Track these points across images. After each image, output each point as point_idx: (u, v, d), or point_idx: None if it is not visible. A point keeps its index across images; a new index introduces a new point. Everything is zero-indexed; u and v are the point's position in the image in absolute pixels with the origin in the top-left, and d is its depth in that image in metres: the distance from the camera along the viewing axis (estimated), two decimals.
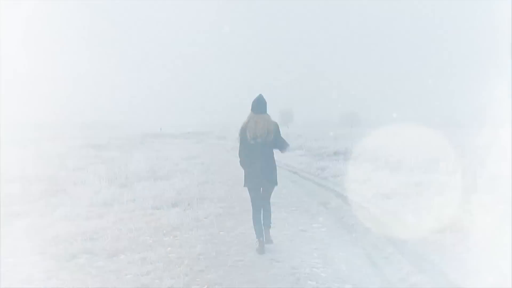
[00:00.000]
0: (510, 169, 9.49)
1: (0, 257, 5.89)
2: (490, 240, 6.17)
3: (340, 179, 13.83)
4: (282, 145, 6.80)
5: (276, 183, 7.01)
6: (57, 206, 9.33)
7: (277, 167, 7.06)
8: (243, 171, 7.03)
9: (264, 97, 6.79)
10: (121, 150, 27.63)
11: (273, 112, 6.99)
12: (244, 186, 6.99)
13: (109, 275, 5.48)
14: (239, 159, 7.08)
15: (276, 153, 6.85)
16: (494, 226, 6.68)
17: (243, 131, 6.65)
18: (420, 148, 16.55)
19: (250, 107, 6.72)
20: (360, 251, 6.63)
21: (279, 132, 6.73)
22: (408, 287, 5.13)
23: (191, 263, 5.87)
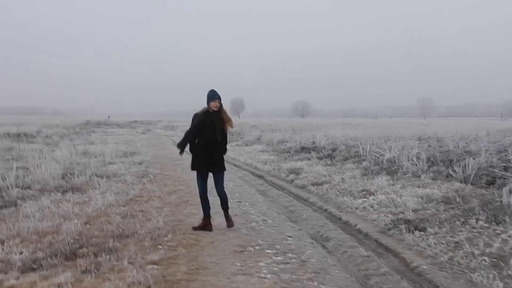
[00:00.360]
0: None
1: None
2: None
3: (326, 189, 10.14)
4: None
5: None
6: None
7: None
8: (194, 174, 7.17)
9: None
10: (47, 141, 23.04)
11: (224, 101, 6.94)
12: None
13: None
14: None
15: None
16: None
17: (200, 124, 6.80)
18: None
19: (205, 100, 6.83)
20: None
21: None
22: None
23: None
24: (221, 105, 6.78)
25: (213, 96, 6.72)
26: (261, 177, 13.13)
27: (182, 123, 56.57)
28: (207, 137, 6.73)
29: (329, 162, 14.53)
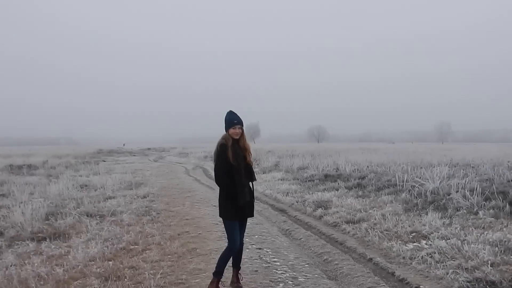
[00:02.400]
0: None
1: None
2: None
3: (365, 230, 8.23)
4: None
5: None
6: None
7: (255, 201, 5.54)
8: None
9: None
10: (50, 173, 21.46)
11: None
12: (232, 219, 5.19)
13: None
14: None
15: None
16: None
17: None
18: None
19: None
20: None
21: None
22: None
23: None
24: (242, 131, 5.37)
25: (232, 120, 5.28)
26: (283, 211, 11.26)
27: (196, 149, 54.96)
28: (238, 174, 5.18)
29: (360, 193, 12.64)
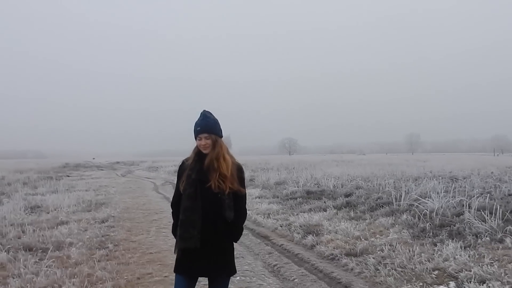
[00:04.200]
0: None
1: None
2: None
3: (374, 266, 6.61)
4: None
5: (233, 271, 3.54)
6: None
7: None
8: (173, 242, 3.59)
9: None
10: (2, 190, 19.31)
11: None
12: (175, 271, 3.45)
13: None
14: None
15: None
16: None
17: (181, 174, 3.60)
18: None
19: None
20: None
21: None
22: None
23: None
24: (214, 142, 3.52)
25: (195, 127, 3.54)
26: (266, 238, 9.57)
27: (166, 163, 52.87)
28: (187, 205, 3.40)
29: (352, 214, 11.08)
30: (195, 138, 3.52)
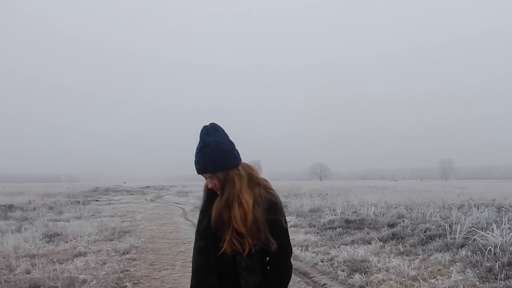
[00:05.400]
0: None
1: None
2: None
3: None
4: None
5: None
6: None
7: None
8: None
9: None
10: (27, 216, 18.66)
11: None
12: None
13: None
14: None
15: None
16: None
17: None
18: None
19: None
20: None
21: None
22: None
23: None
24: (225, 182, 2.35)
25: (194, 164, 2.41)
26: (305, 275, 8.43)
27: (196, 188, 52.05)
28: (216, 266, 2.43)
29: (401, 248, 9.82)
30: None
